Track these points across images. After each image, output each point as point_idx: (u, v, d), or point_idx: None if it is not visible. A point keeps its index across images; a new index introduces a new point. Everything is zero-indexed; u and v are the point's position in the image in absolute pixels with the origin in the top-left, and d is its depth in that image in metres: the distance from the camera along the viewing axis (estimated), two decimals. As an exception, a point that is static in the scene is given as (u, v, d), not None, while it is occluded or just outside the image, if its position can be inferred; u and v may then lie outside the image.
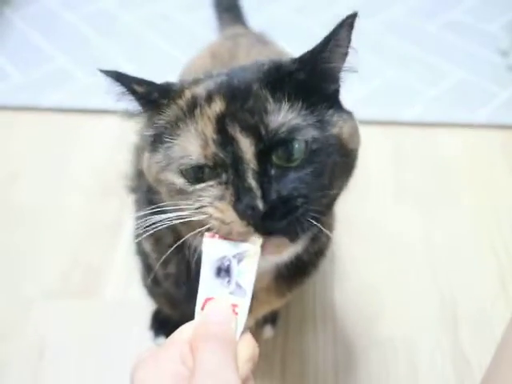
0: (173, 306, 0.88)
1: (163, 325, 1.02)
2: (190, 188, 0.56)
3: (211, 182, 0.54)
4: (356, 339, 1.04)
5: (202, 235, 0.55)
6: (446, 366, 1.00)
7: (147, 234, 0.74)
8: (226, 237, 0.53)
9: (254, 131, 0.53)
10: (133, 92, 0.58)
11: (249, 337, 0.49)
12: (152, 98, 0.59)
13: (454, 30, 1.71)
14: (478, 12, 1.78)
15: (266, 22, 1.62)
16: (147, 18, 1.74)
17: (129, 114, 0.61)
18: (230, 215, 0.52)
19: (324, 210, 0.59)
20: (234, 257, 0.51)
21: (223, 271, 0.51)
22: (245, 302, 0.50)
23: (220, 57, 0.98)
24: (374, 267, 1.15)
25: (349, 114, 0.62)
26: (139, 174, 0.93)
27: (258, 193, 0.51)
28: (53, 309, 1.07)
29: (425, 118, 1.46)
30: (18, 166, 1.33)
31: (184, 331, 0.48)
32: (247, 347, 0.48)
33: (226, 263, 0.51)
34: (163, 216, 0.57)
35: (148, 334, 1.04)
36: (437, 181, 1.32)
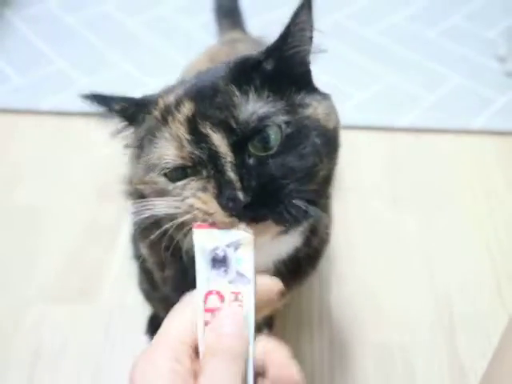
0: (170, 310, 0.88)
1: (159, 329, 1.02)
2: (171, 186, 0.57)
3: (193, 177, 0.56)
4: (352, 343, 1.04)
5: (188, 232, 0.56)
6: (443, 370, 1.01)
7: (144, 237, 0.75)
8: (213, 224, 0.53)
9: (224, 125, 0.54)
10: (112, 110, 0.61)
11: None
12: (129, 113, 0.61)
13: (452, 36, 1.71)
14: (477, 19, 1.78)
15: (265, 26, 1.62)
16: (148, 22, 1.75)
17: (115, 131, 0.64)
18: (213, 206, 0.53)
19: (316, 194, 0.59)
20: (228, 246, 0.51)
21: (218, 261, 0.50)
22: (249, 289, 0.49)
23: (218, 61, 0.99)
24: (370, 271, 1.15)
25: (323, 95, 0.63)
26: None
27: (238, 184, 0.52)
28: (50, 312, 1.07)
29: (422, 124, 1.46)
30: (17, 169, 1.33)
31: (173, 327, 0.48)
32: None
33: (221, 253, 0.50)
34: (150, 211, 0.59)
35: (144, 338, 1.04)
36: (433, 186, 1.32)
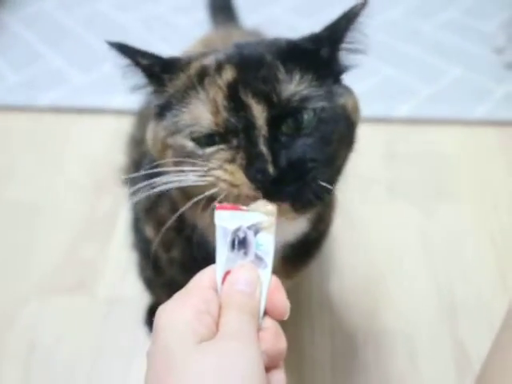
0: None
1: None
2: (200, 151, 0.55)
3: (222, 146, 0.55)
4: (353, 331, 1.03)
5: (203, 208, 0.55)
6: (446, 357, 0.99)
7: (149, 217, 0.74)
8: (235, 205, 0.51)
9: (266, 98, 0.54)
10: (137, 64, 0.59)
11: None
12: (155, 70, 0.60)
13: (450, 30, 1.71)
14: (474, 11, 1.78)
15: (262, 22, 1.62)
16: (143, 20, 1.74)
17: (135, 87, 0.62)
18: (240, 178, 0.52)
19: (331, 181, 0.60)
20: (249, 228, 0.50)
21: (238, 243, 0.49)
22: (266, 274, 0.49)
23: (213, 46, 0.98)
24: (371, 260, 1.14)
25: (350, 89, 0.64)
26: (134, 165, 0.93)
27: (269, 158, 0.52)
28: (46, 304, 1.06)
29: (421, 115, 1.45)
30: (13, 164, 1.33)
31: (202, 278, 0.48)
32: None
33: (242, 235, 0.50)
34: (165, 179, 0.56)
35: (142, 329, 1.02)
36: (434, 177, 1.31)
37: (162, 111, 0.60)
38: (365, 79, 1.52)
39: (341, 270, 1.12)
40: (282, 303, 0.48)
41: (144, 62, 0.59)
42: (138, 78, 0.60)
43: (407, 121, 1.45)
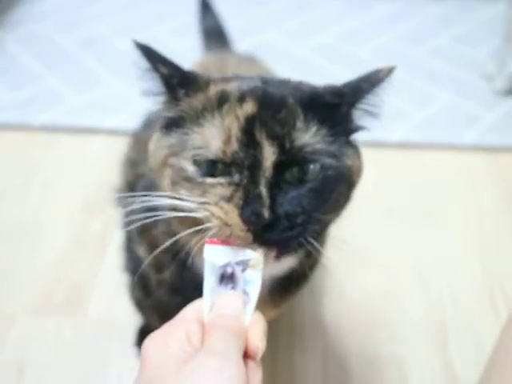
0: (163, 318, 0.86)
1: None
2: (200, 179, 0.55)
3: (222, 180, 0.54)
4: (346, 357, 1.03)
5: (198, 235, 0.55)
6: (437, 380, 0.99)
7: (142, 238, 0.74)
8: (225, 241, 0.53)
9: (279, 141, 0.54)
10: (156, 70, 0.58)
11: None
12: (173, 81, 0.59)
13: (441, 56, 1.75)
14: (464, 38, 1.83)
15: (256, 46, 1.65)
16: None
17: (150, 92, 0.60)
18: (234, 218, 0.52)
19: (319, 232, 0.61)
20: (237, 264, 0.51)
21: (226, 278, 0.51)
22: (250, 309, 0.51)
23: (208, 71, 0.99)
24: (363, 285, 1.14)
25: (358, 150, 0.64)
26: (128, 186, 0.93)
27: (267, 202, 0.52)
28: (35, 326, 1.05)
29: (412, 141, 1.48)
30: (4, 184, 1.32)
31: (189, 311, 0.51)
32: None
33: (230, 270, 0.51)
34: (161, 202, 0.56)
35: (131, 351, 1.01)
36: (424, 202, 1.33)
37: (170, 125, 0.60)
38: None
39: (333, 294, 1.12)
40: (256, 340, 0.49)
41: (164, 70, 0.58)
42: (155, 84, 0.59)
43: (398, 146, 1.47)
